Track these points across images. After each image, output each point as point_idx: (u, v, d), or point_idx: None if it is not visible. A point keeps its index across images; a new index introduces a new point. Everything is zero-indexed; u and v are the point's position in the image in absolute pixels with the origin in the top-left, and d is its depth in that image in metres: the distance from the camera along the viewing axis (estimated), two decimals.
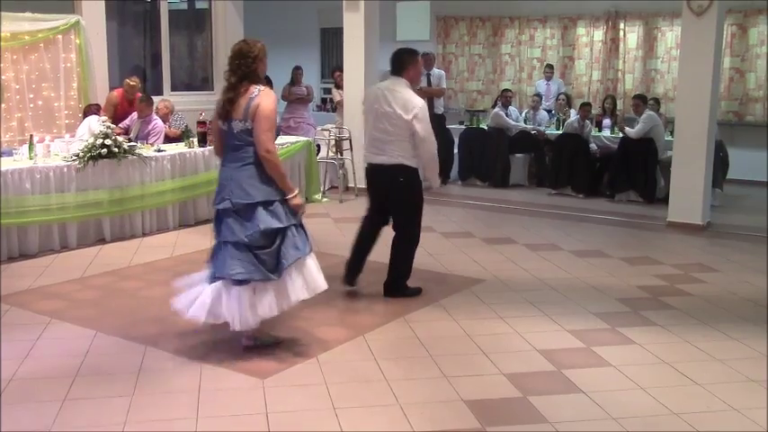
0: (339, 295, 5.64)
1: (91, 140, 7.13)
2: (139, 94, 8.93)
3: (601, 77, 12.16)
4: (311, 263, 4.41)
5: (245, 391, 4.00)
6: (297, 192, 4.39)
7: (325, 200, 9.45)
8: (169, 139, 8.70)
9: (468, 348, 4.65)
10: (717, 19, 7.62)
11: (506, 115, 10.67)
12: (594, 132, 10.07)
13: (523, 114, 11.25)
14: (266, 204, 4.28)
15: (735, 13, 10.77)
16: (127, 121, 8.76)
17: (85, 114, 8.45)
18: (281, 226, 4.27)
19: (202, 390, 4.00)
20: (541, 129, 10.74)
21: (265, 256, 4.25)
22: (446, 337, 4.83)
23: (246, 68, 4.32)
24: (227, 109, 4.33)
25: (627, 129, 9.48)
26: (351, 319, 5.17)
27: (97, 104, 8.77)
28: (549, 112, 11.35)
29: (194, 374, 4.19)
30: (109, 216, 7.20)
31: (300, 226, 4.43)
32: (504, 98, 10.83)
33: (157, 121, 8.66)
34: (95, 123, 7.83)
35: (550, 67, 12.08)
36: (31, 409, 3.77)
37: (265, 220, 4.25)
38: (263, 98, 4.27)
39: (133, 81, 9.00)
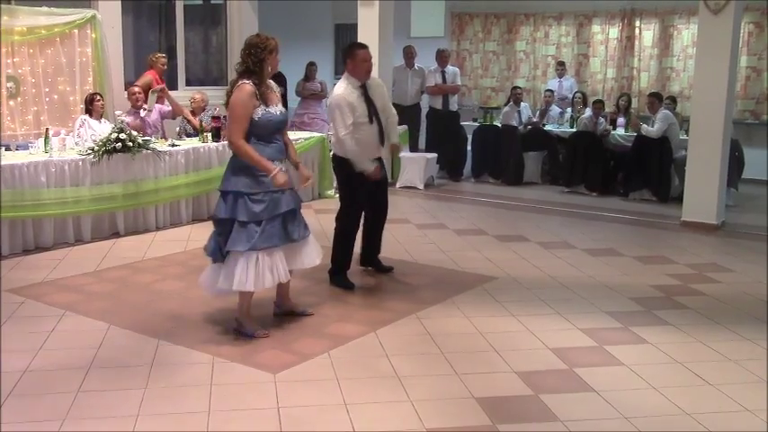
0: (351, 291, 5.65)
1: (105, 135, 7.18)
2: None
3: (616, 75, 12.08)
4: (243, 261, 4.49)
5: (257, 385, 4.02)
6: (276, 170, 4.49)
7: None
8: (196, 132, 8.65)
9: (480, 346, 4.65)
10: (734, 17, 7.55)
11: (518, 113, 10.64)
12: (610, 129, 10.00)
13: (538, 112, 11.21)
14: (231, 194, 4.52)
15: (752, 12, 10.67)
16: (153, 116, 8.55)
17: (86, 107, 8.13)
18: (224, 217, 4.53)
19: (214, 383, 4.02)
20: (538, 121, 10.76)
21: (219, 238, 4.59)
22: (458, 335, 4.83)
23: (254, 60, 4.49)
24: (227, 102, 4.58)
25: (644, 126, 9.40)
26: (363, 315, 5.17)
27: (98, 93, 8.37)
28: (561, 109, 11.29)
29: (207, 368, 4.22)
30: (123, 210, 7.25)
31: (273, 219, 4.53)
32: (515, 96, 10.78)
33: (161, 107, 8.72)
34: (70, 141, 7.36)
35: (562, 64, 12.02)
36: (45, 400, 3.81)
37: (218, 209, 4.59)
38: (235, 92, 4.48)
39: (159, 53, 9.48)
